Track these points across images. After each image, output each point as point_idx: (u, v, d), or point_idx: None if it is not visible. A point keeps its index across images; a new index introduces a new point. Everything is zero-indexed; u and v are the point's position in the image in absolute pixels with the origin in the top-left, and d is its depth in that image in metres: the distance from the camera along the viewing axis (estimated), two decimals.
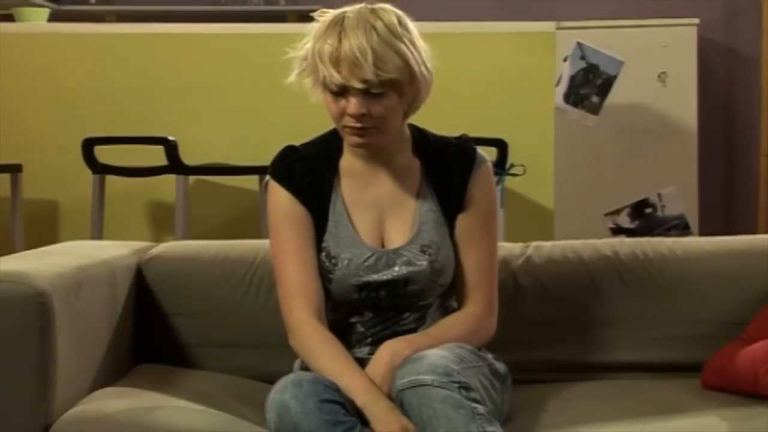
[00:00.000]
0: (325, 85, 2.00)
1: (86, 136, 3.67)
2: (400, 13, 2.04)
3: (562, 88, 5.20)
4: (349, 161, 2.14)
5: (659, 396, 2.17)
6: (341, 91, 1.99)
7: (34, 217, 3.95)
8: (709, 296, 2.38)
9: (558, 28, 4.06)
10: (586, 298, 2.41)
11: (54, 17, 4.61)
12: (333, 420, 1.82)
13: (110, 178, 3.73)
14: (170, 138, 3.58)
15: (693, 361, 2.36)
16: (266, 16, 5.65)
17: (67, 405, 2.02)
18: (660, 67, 5.17)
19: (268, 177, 2.15)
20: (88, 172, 3.69)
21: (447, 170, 2.13)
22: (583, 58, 5.22)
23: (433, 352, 1.94)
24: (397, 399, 1.89)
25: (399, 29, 1.99)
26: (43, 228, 3.97)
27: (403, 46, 1.98)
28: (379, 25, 1.97)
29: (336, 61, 1.96)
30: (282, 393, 1.85)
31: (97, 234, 3.69)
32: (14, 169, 3.81)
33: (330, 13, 2.03)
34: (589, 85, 5.22)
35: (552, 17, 4.35)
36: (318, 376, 1.93)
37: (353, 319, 2.12)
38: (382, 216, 2.12)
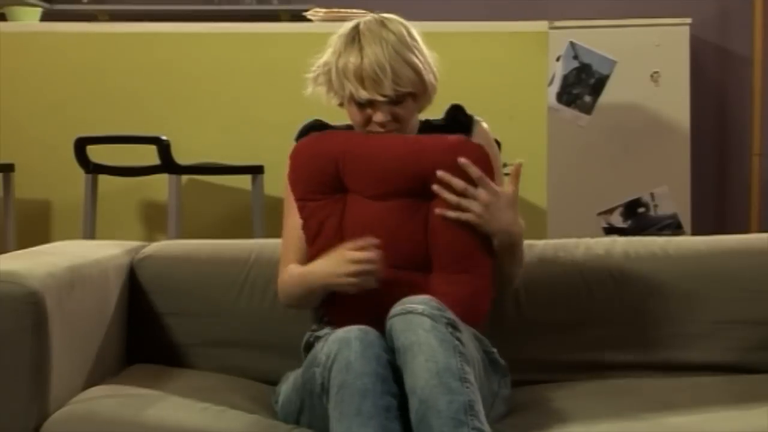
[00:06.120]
0: (350, 98, 2.16)
1: (78, 135, 3.66)
2: (405, 22, 2.19)
3: (555, 87, 5.20)
4: None
5: (652, 395, 2.17)
6: (367, 103, 2.15)
7: (26, 216, 3.94)
8: (701, 295, 2.38)
9: (551, 28, 4.06)
10: (577, 298, 2.41)
11: (46, 16, 4.60)
12: (386, 377, 1.82)
13: (103, 178, 3.72)
14: (163, 137, 3.57)
15: (685, 360, 2.36)
16: (259, 15, 5.64)
17: (60, 405, 2.01)
18: (653, 67, 5.17)
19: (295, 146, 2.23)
20: (80, 171, 3.67)
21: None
22: (575, 57, 5.22)
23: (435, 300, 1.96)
24: (387, 330, 1.90)
25: (408, 40, 2.16)
26: (36, 228, 3.96)
27: (414, 58, 2.14)
28: (391, 38, 2.13)
29: (360, 79, 2.12)
30: (348, 332, 1.87)
31: (90, 233, 3.68)
32: (6, 169, 3.80)
33: (343, 28, 2.18)
34: (582, 85, 5.22)
35: (545, 17, 4.34)
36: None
37: None
38: None
